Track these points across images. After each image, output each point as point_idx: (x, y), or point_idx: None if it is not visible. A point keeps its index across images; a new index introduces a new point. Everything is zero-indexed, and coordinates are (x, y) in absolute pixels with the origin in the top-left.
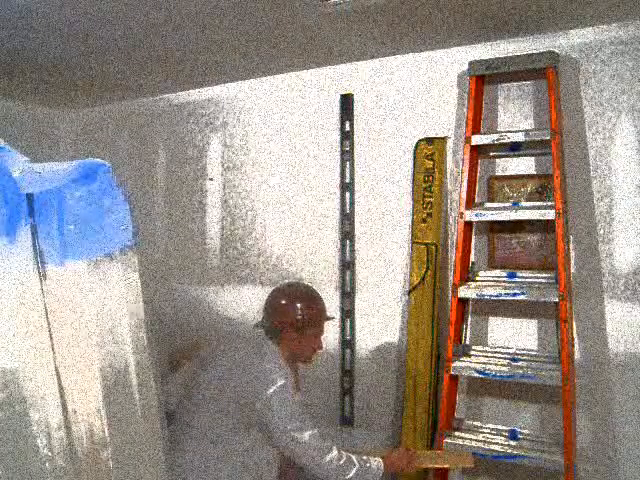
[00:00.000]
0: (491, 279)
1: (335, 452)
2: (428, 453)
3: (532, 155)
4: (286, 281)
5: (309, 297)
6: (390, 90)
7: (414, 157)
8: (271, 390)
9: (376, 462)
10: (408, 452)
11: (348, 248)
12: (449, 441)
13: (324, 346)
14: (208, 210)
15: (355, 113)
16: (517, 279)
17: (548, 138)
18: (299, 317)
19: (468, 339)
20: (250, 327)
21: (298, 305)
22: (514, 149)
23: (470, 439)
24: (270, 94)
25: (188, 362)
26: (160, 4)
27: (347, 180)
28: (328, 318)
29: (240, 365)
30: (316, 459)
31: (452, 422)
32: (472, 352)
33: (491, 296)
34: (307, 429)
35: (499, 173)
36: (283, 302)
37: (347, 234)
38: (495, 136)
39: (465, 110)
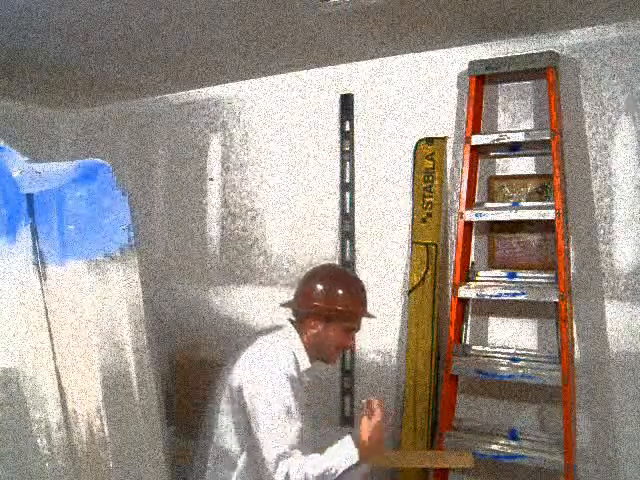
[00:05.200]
0: (491, 279)
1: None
2: (428, 453)
3: (532, 155)
4: (326, 262)
5: (345, 284)
6: (390, 90)
7: (414, 157)
8: (262, 374)
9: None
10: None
11: (348, 248)
12: (449, 441)
13: (355, 346)
14: (208, 210)
15: (355, 113)
16: (517, 279)
17: (548, 138)
18: (326, 304)
19: (468, 339)
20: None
21: (329, 290)
22: (514, 149)
23: (470, 439)
24: (270, 94)
25: (189, 364)
26: (160, 4)
27: (347, 180)
28: (368, 315)
29: (245, 355)
30: None
31: (452, 422)
32: (472, 352)
33: (491, 296)
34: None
35: (499, 173)
36: (313, 284)
37: (347, 234)
38: (495, 136)
39: (465, 110)
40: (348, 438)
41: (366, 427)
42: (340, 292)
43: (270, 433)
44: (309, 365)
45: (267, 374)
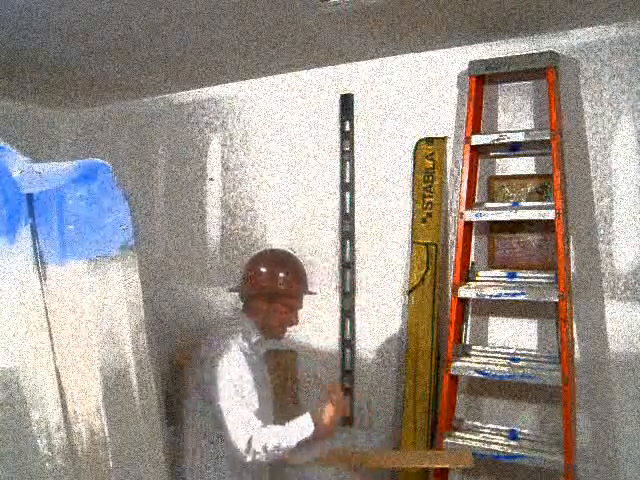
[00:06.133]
0: (491, 279)
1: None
2: (428, 453)
3: (532, 155)
4: (269, 247)
5: (283, 264)
6: (390, 90)
7: (414, 157)
8: (217, 353)
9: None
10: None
11: (348, 248)
12: (449, 441)
13: (298, 321)
14: (208, 210)
15: (355, 113)
16: (517, 279)
17: (548, 138)
18: (266, 284)
19: (468, 339)
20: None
21: (268, 271)
22: (514, 149)
23: (470, 439)
24: (270, 94)
25: (188, 362)
26: (160, 4)
27: (347, 180)
28: (308, 292)
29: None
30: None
31: (452, 422)
32: (472, 352)
33: (491, 296)
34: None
35: (499, 173)
36: (254, 267)
37: (347, 234)
38: (495, 136)
39: (465, 110)
40: (307, 414)
41: (328, 409)
42: (281, 273)
43: (231, 403)
44: (259, 337)
45: (221, 351)
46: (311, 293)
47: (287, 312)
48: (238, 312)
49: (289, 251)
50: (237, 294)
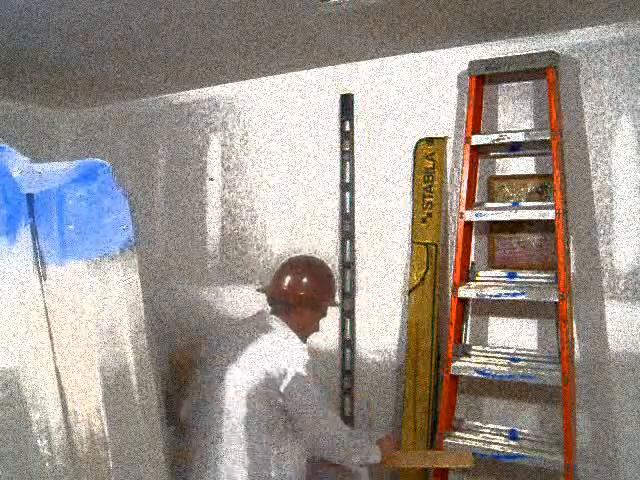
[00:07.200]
0: (491, 279)
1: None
2: (428, 453)
3: (532, 155)
4: (303, 253)
5: (327, 274)
6: (390, 90)
7: (414, 157)
8: (299, 369)
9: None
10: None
11: (348, 248)
12: (449, 441)
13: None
14: (208, 210)
15: (355, 113)
16: (517, 279)
17: (548, 138)
18: (321, 294)
19: (468, 339)
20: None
21: (322, 281)
22: (514, 149)
23: (470, 439)
24: (270, 94)
25: (189, 364)
26: (160, 4)
27: (347, 180)
28: (335, 303)
29: (244, 353)
30: (339, 448)
31: (452, 422)
32: (472, 352)
33: (491, 296)
34: (337, 420)
35: (499, 173)
36: (308, 275)
37: (347, 234)
38: (495, 136)
39: (465, 110)
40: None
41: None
42: (325, 282)
43: (326, 413)
44: (305, 344)
45: (298, 365)
46: (337, 304)
47: (318, 320)
48: (264, 314)
49: (321, 259)
50: (249, 293)
